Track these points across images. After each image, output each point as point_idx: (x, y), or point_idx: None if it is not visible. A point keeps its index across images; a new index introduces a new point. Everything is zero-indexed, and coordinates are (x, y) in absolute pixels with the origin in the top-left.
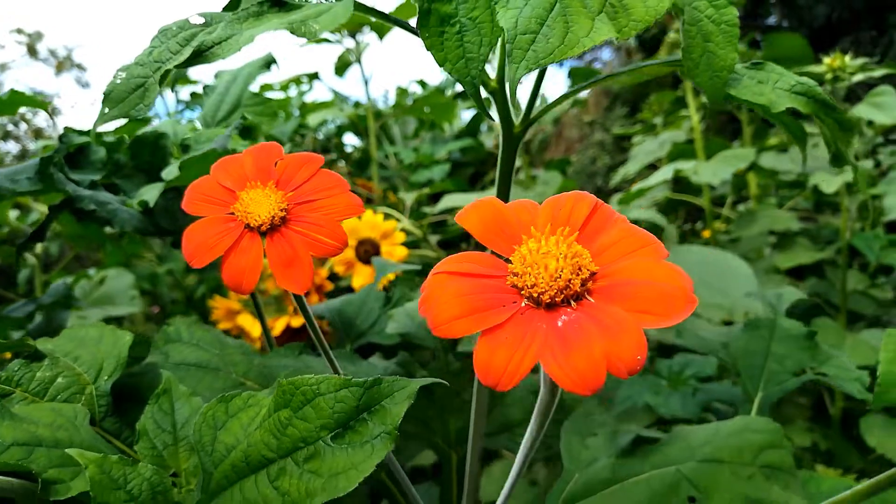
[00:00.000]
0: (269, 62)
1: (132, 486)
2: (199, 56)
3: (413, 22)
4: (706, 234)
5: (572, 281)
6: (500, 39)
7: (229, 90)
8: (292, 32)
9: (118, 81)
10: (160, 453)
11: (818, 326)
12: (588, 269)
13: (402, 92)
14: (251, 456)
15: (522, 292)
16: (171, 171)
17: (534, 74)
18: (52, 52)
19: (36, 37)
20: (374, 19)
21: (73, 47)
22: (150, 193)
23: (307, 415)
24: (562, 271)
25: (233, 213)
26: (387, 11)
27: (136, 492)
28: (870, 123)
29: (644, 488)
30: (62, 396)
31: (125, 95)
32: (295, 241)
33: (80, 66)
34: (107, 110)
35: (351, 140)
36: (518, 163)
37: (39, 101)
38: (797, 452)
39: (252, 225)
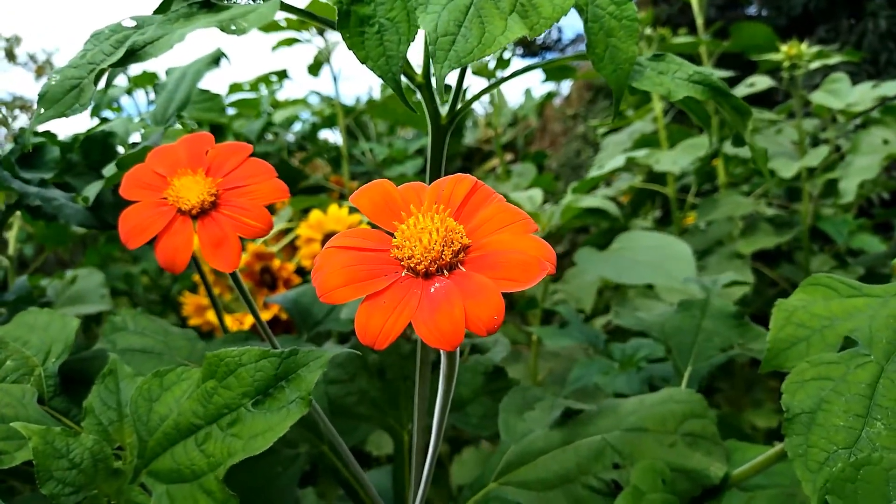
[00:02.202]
0: (217, 58)
1: (74, 454)
2: (133, 55)
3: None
4: (689, 220)
5: (444, 252)
6: (421, 37)
7: (178, 87)
8: (222, 30)
9: (53, 83)
10: (106, 429)
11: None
12: (460, 243)
13: (385, 88)
14: (181, 424)
15: (402, 263)
16: (109, 169)
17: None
18: (32, 57)
19: (14, 41)
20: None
21: (52, 51)
22: (92, 190)
23: (231, 384)
24: (435, 244)
25: (165, 199)
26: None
27: (77, 460)
28: (841, 112)
29: (572, 455)
30: (11, 378)
31: (60, 96)
32: (224, 224)
33: None
34: (42, 111)
35: (335, 137)
36: (495, 161)
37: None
38: (760, 434)
39: (183, 209)
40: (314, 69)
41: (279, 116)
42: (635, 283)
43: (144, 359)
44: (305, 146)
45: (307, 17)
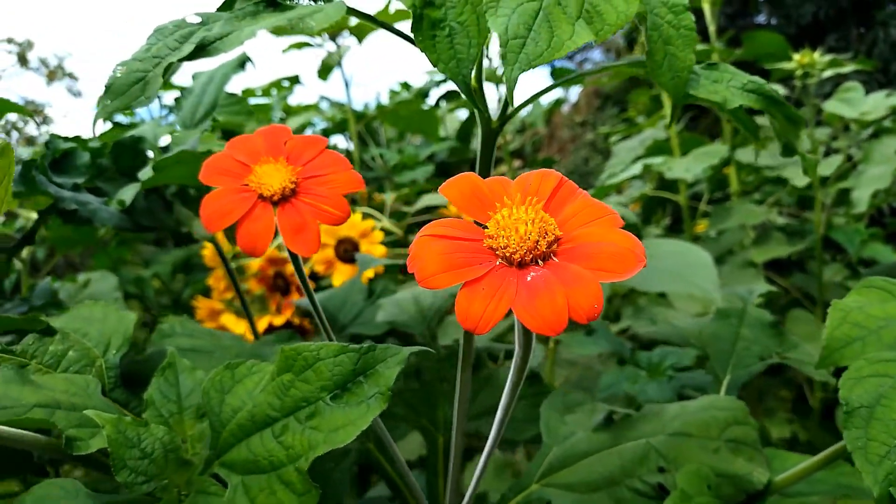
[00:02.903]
0: (243, 62)
1: (146, 444)
2: (202, 50)
3: (397, 26)
4: (700, 227)
5: (539, 242)
6: (483, 40)
7: (206, 91)
8: (291, 28)
9: (118, 75)
10: (166, 420)
11: (793, 318)
12: (553, 234)
13: (393, 94)
14: (256, 416)
15: (497, 252)
16: (146, 173)
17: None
18: (44, 62)
19: (27, 46)
20: (359, 21)
21: (64, 56)
22: (128, 193)
23: (308, 377)
24: (530, 234)
25: (247, 185)
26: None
27: (149, 450)
28: (854, 121)
29: (616, 458)
30: (74, 368)
31: (126, 88)
32: (303, 211)
33: (71, 76)
34: (108, 102)
35: (345, 143)
36: (504, 167)
37: (25, 109)
38: (777, 443)
39: (265, 195)
40: (324, 73)
41: (293, 123)
42: (657, 291)
43: (196, 357)
44: None
45: (371, 22)
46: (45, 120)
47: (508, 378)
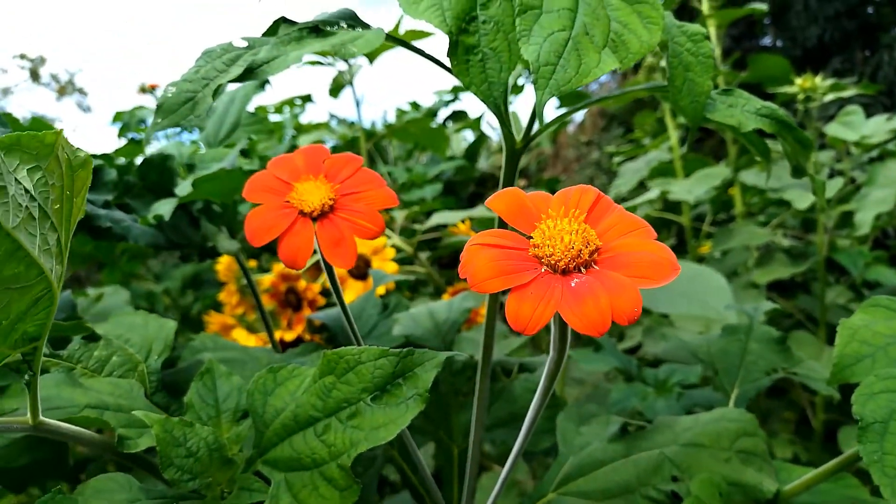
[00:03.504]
0: (263, 82)
1: (191, 443)
2: (251, 73)
3: (420, 45)
4: (704, 249)
5: (582, 251)
6: (513, 65)
7: (228, 111)
8: (335, 54)
9: (169, 95)
10: (205, 423)
11: (796, 340)
12: (594, 244)
13: (401, 113)
14: (299, 416)
15: (542, 261)
16: (184, 188)
17: (526, 99)
18: (54, 77)
19: (39, 62)
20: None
21: (74, 72)
22: (165, 208)
23: (350, 380)
24: (574, 243)
25: (288, 202)
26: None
27: (194, 448)
28: (856, 144)
29: (631, 468)
30: (117, 373)
31: (176, 107)
32: (341, 226)
33: (81, 91)
34: (160, 120)
35: None
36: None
37: (52, 128)
38: (778, 463)
39: (305, 211)
40: (335, 92)
41: (304, 141)
42: (673, 312)
43: (229, 367)
44: None
45: (408, 48)
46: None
47: (541, 379)
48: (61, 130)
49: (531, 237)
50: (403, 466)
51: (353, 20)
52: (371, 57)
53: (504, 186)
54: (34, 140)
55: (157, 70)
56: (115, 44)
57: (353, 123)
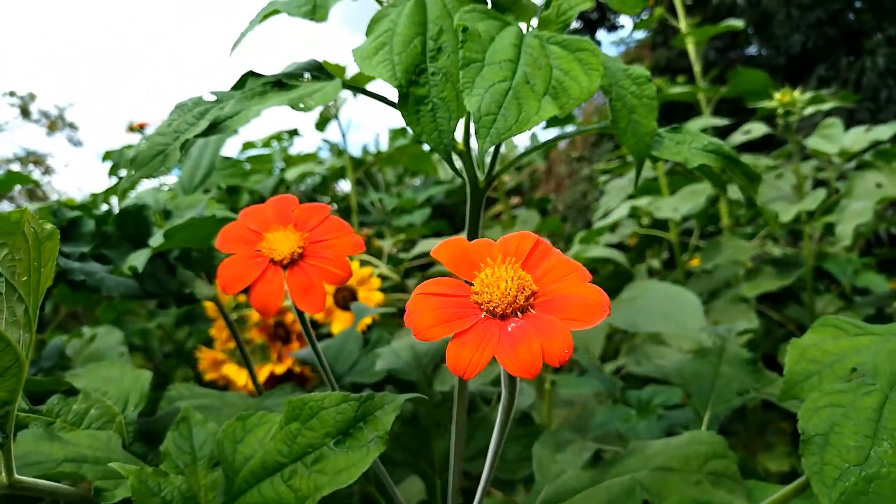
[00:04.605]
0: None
1: (166, 493)
2: (216, 128)
3: (383, 92)
4: (694, 262)
5: (518, 297)
6: (463, 113)
7: (203, 155)
8: (293, 107)
9: (143, 148)
10: (182, 471)
11: (785, 351)
12: (530, 289)
13: (394, 135)
14: (267, 462)
15: (482, 307)
16: (157, 239)
17: None
18: (44, 113)
19: (29, 98)
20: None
21: (64, 107)
22: (139, 259)
23: (314, 425)
24: (510, 290)
25: (259, 251)
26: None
27: (168, 497)
28: (839, 154)
29: (604, 494)
30: (96, 425)
31: (148, 160)
32: (311, 273)
33: (72, 126)
34: (133, 172)
35: (345, 186)
36: (500, 206)
37: (33, 180)
38: (774, 476)
39: (276, 259)
40: (321, 125)
41: (292, 174)
42: (648, 331)
43: (206, 414)
44: (316, 198)
45: (368, 95)
46: (48, 170)
47: (497, 420)
48: (26, 209)
49: (472, 284)
50: (380, 502)
51: (317, 71)
52: (354, 92)
53: (470, 224)
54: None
55: (156, 70)
56: (115, 44)
57: (341, 151)
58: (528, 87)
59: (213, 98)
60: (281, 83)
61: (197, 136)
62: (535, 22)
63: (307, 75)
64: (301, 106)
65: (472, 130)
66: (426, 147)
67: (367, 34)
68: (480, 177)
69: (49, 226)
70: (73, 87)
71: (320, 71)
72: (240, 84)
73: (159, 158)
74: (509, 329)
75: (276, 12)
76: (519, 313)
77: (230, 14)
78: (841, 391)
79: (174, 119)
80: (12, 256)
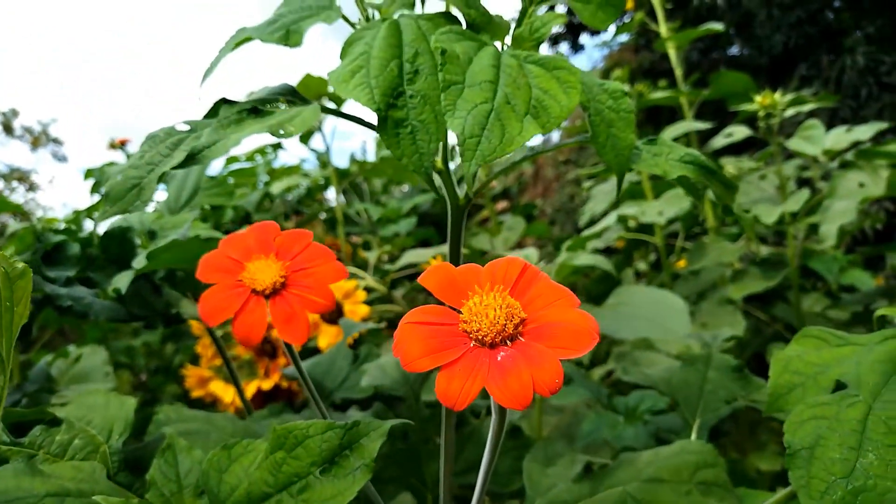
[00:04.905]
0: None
1: None
2: (193, 159)
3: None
4: (680, 264)
5: (507, 325)
6: (442, 134)
7: (188, 177)
8: (273, 134)
9: (116, 182)
10: (168, 500)
11: (773, 351)
12: (519, 316)
13: (380, 145)
14: (252, 492)
15: (471, 335)
16: (140, 261)
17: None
18: (28, 129)
19: (11, 114)
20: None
21: (48, 122)
22: (123, 281)
23: (299, 454)
24: (499, 318)
25: (241, 281)
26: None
27: None
28: (824, 152)
29: None
30: (79, 455)
31: (123, 194)
32: (293, 302)
33: (56, 141)
34: (108, 207)
35: (332, 195)
36: (485, 212)
37: (18, 206)
38: (765, 476)
39: (258, 289)
40: (304, 138)
41: (277, 188)
42: (634, 338)
43: (193, 439)
44: (302, 210)
45: (348, 119)
46: (32, 187)
47: (488, 439)
48: None
49: (461, 312)
50: None
51: (292, 95)
52: (338, 102)
53: (451, 242)
54: None
55: (156, 70)
56: (115, 44)
57: (326, 163)
58: (509, 107)
59: (186, 128)
60: (257, 110)
61: (174, 168)
62: (508, 40)
63: (281, 101)
64: (281, 132)
65: (450, 150)
66: None
67: (342, 57)
68: (460, 195)
69: (20, 265)
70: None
71: (294, 95)
72: (213, 112)
73: (134, 192)
74: (499, 358)
75: (248, 39)
76: (508, 341)
77: (229, 14)
78: (825, 403)
79: (146, 151)
80: None
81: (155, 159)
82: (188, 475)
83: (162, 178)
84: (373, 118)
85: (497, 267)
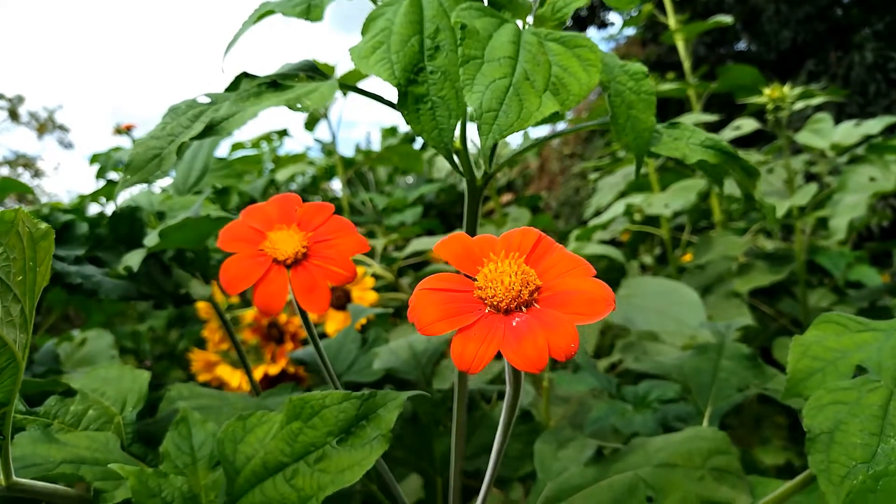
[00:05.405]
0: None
1: (166, 494)
2: (212, 130)
3: (383, 92)
4: (686, 258)
5: (522, 292)
6: (462, 112)
7: (196, 157)
8: (290, 108)
9: (137, 152)
10: (181, 471)
11: (780, 346)
12: (534, 283)
13: (386, 134)
14: (268, 462)
15: (486, 302)
16: (152, 239)
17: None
18: (34, 115)
19: (17, 101)
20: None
21: (53, 109)
22: (134, 259)
23: (315, 424)
24: (514, 285)
25: (262, 250)
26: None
27: (169, 498)
28: (834, 148)
29: (607, 491)
30: (94, 426)
31: (143, 164)
32: (314, 272)
33: (62, 128)
34: (128, 177)
35: (336, 185)
36: (491, 203)
37: (26, 187)
38: (770, 470)
39: (279, 259)
40: (310, 125)
41: (283, 175)
42: (646, 329)
43: (205, 414)
44: (307, 198)
45: (362, 94)
46: (38, 173)
47: (501, 416)
48: (20, 208)
49: (476, 279)
50: (383, 501)
51: (312, 71)
52: (344, 91)
53: (468, 222)
54: None
55: (160, 59)
56: (120, 32)
57: (331, 152)
58: (528, 83)
59: (207, 100)
60: (276, 84)
61: (193, 139)
62: (530, 20)
63: (302, 76)
64: (298, 106)
65: (468, 129)
66: (418, 146)
67: (363, 33)
68: (478, 174)
69: (44, 225)
70: (69, 82)
71: (314, 71)
72: (234, 85)
73: (155, 162)
74: (514, 324)
75: (270, 13)
76: (523, 308)
77: (230, 8)
78: (845, 388)
79: (167, 122)
80: (7, 256)
81: (175, 130)
82: (202, 447)
83: (181, 149)
84: (391, 96)
85: (512, 237)
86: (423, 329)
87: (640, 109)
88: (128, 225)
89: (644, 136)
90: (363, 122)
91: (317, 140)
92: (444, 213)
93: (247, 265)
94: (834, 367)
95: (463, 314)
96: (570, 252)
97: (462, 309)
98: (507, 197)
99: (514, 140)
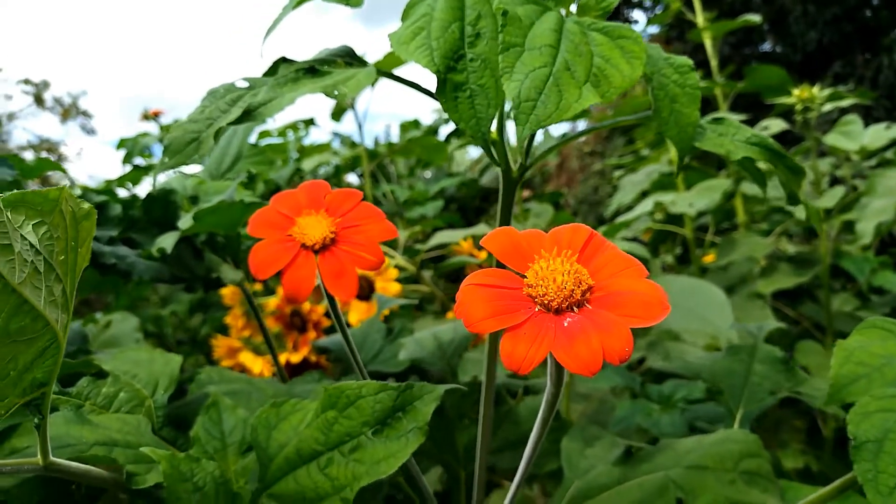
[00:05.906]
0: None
1: (198, 478)
2: (248, 115)
3: (417, 80)
4: (708, 258)
5: (574, 291)
6: (500, 101)
7: (231, 143)
8: (327, 95)
9: (175, 135)
10: (211, 456)
11: (803, 350)
12: (586, 283)
13: (404, 128)
14: (303, 449)
15: (536, 300)
16: (186, 221)
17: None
18: (58, 101)
19: (43, 86)
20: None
21: (77, 94)
22: (168, 241)
23: (351, 414)
24: (566, 283)
25: (290, 235)
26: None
27: (200, 483)
28: (857, 151)
29: (636, 491)
30: (125, 409)
31: (182, 147)
32: (343, 258)
33: (85, 114)
34: (167, 160)
35: (353, 178)
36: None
37: (60, 167)
38: (790, 474)
39: (307, 244)
40: (337, 115)
41: (308, 164)
42: (672, 328)
43: (235, 399)
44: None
45: (399, 82)
46: (61, 158)
47: (539, 412)
48: (65, 186)
49: (525, 276)
50: (409, 492)
51: (350, 57)
52: (378, 78)
53: (502, 215)
54: (39, 196)
55: (183, 48)
56: (121, 63)
57: (354, 143)
58: (568, 73)
59: (246, 84)
60: (314, 70)
61: (230, 124)
62: (574, 8)
63: (339, 62)
64: (336, 93)
65: (505, 121)
66: (441, 138)
67: (403, 19)
68: (514, 166)
69: (86, 205)
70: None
71: (352, 57)
72: (272, 70)
73: (193, 146)
74: (565, 324)
75: None
76: (575, 308)
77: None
78: (893, 396)
79: (206, 106)
80: (50, 235)
81: (213, 114)
82: (232, 433)
83: (219, 133)
84: (429, 84)
85: (562, 233)
86: (471, 326)
87: (685, 103)
88: (162, 207)
89: (688, 131)
90: (383, 115)
91: (335, 133)
92: (463, 208)
93: (275, 250)
94: (879, 374)
95: (512, 312)
96: (621, 251)
97: (511, 307)
98: (525, 193)
99: (538, 135)
